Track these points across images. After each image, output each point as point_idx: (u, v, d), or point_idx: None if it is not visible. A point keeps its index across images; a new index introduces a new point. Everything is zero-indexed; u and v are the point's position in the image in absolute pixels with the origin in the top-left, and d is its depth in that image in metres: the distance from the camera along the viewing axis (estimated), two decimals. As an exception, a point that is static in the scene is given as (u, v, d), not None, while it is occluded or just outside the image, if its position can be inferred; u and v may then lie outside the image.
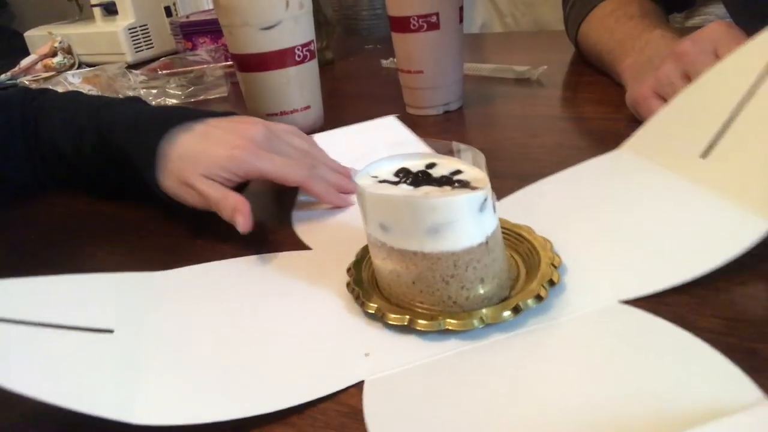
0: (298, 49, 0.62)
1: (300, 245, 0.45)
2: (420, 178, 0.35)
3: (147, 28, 1.22)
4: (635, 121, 0.57)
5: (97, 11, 1.23)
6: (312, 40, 0.64)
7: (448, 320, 0.32)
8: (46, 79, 1.07)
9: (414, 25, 0.64)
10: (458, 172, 0.35)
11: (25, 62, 1.13)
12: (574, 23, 0.80)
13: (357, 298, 0.36)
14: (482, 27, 1.39)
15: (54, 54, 1.14)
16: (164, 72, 0.93)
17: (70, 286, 0.39)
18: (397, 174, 0.36)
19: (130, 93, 0.89)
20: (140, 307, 0.39)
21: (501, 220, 0.40)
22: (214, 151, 0.46)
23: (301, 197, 0.52)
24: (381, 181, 0.35)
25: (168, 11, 1.25)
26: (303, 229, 0.47)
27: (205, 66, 0.94)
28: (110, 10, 1.22)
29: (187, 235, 0.49)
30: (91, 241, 0.52)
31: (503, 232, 0.39)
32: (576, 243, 0.39)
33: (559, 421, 0.26)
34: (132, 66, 1.10)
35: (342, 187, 0.50)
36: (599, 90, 0.69)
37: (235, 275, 0.42)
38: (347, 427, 0.29)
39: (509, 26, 1.34)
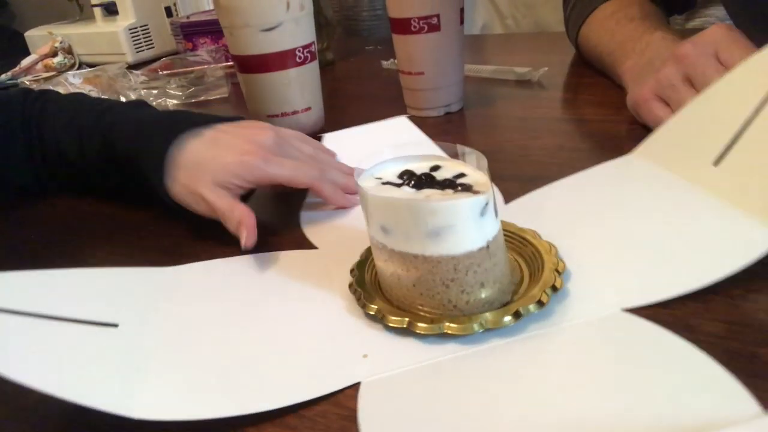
0: (299, 51, 0.62)
1: (307, 245, 0.45)
2: (423, 181, 0.35)
3: (147, 29, 1.22)
4: (636, 123, 0.57)
5: (97, 11, 1.23)
6: (313, 42, 0.64)
7: (448, 324, 0.32)
8: (46, 79, 1.07)
9: (415, 27, 0.64)
10: (462, 175, 0.35)
11: (25, 62, 1.13)
12: (575, 25, 0.80)
13: (358, 299, 0.36)
14: (483, 28, 1.39)
15: (54, 54, 1.14)
16: (165, 72, 0.93)
17: (75, 279, 0.40)
18: (400, 176, 0.36)
19: (131, 93, 0.89)
20: (145, 302, 0.39)
21: (506, 224, 0.40)
22: (223, 158, 0.46)
23: (310, 198, 0.52)
24: (384, 183, 0.35)
25: (168, 11, 1.26)
26: (311, 229, 0.47)
27: (205, 66, 0.94)
28: (111, 10, 1.22)
29: (188, 236, 0.49)
30: (92, 242, 0.52)
31: (508, 236, 0.39)
32: (582, 248, 0.38)
33: (555, 428, 0.26)
34: (132, 66, 1.10)
35: (350, 188, 0.50)
36: (600, 92, 0.70)
37: (240, 273, 0.42)
38: (347, 430, 0.29)
39: (510, 28, 1.34)
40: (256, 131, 0.49)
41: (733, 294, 0.33)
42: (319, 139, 0.63)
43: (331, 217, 0.49)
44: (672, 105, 0.51)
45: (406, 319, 0.33)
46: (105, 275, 0.41)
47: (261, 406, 0.30)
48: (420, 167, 0.36)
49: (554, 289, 0.34)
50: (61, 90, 0.87)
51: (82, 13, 1.35)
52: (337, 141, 0.62)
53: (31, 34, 1.31)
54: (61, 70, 1.11)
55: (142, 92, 0.89)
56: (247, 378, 0.32)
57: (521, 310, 0.32)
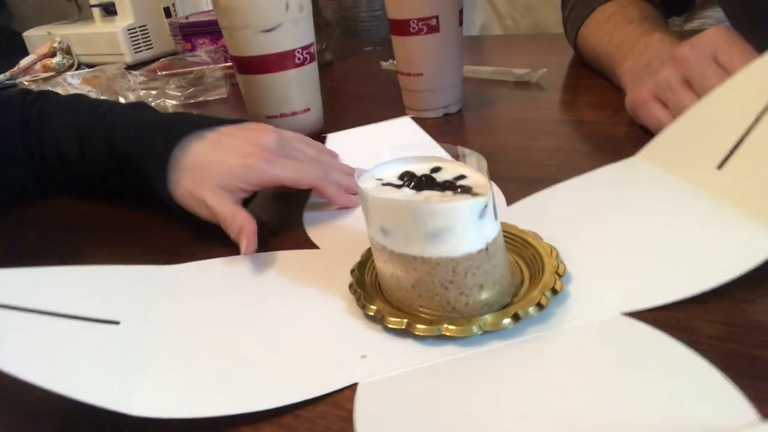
0: (298, 52, 0.62)
1: (309, 245, 0.46)
2: (423, 182, 0.35)
3: (146, 29, 1.22)
4: (634, 125, 0.57)
5: (96, 11, 1.23)
6: (312, 43, 0.64)
7: (447, 326, 0.32)
8: (45, 79, 1.07)
9: (414, 28, 0.64)
10: (462, 177, 0.35)
11: (24, 62, 1.13)
12: (574, 26, 0.80)
13: (358, 300, 0.36)
14: (482, 29, 1.39)
15: (53, 54, 1.14)
16: (163, 73, 0.93)
17: (77, 276, 0.40)
18: (401, 177, 0.36)
19: (130, 94, 0.89)
20: (146, 300, 0.39)
21: (507, 225, 0.40)
22: (226, 161, 0.46)
23: (313, 199, 0.52)
24: (384, 184, 0.35)
25: (167, 12, 1.25)
26: (313, 229, 0.48)
27: (204, 67, 0.94)
28: (109, 11, 1.22)
29: (188, 236, 0.49)
30: (91, 242, 0.52)
31: (508, 237, 0.39)
32: (583, 251, 0.38)
33: (553, 431, 0.26)
34: (131, 67, 1.10)
35: (353, 189, 0.50)
36: (598, 93, 0.70)
37: (240, 273, 0.42)
38: (346, 432, 0.29)
39: (509, 28, 1.34)
40: (258, 133, 0.49)
41: (734, 296, 0.33)
42: (323, 139, 0.63)
43: (334, 218, 0.49)
44: (670, 107, 0.51)
45: (405, 320, 0.33)
46: (106, 273, 0.41)
47: (258, 405, 0.30)
48: (420, 168, 0.36)
49: (554, 291, 0.34)
50: (60, 90, 0.87)
51: (81, 14, 1.34)
52: (341, 141, 0.62)
53: (30, 34, 1.31)
54: (60, 71, 1.11)
55: (141, 93, 0.89)
56: (245, 377, 0.32)
57: (520, 312, 0.32)
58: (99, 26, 1.23)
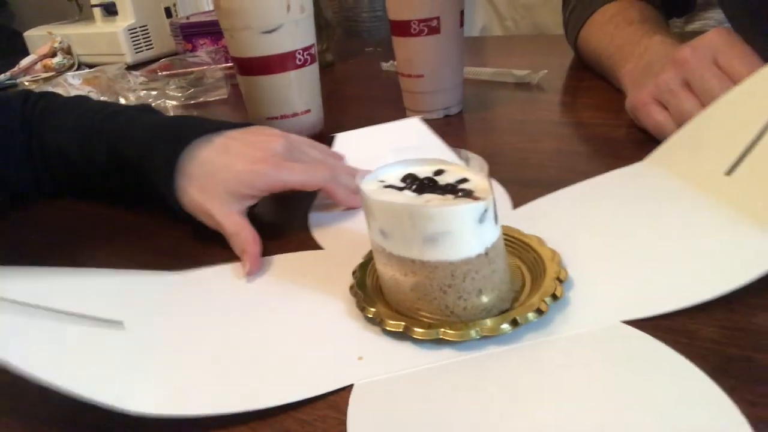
0: (299, 53, 0.62)
1: (313, 246, 0.46)
2: (425, 185, 0.35)
3: (147, 29, 1.22)
4: (634, 127, 0.57)
5: (97, 11, 1.23)
6: (313, 44, 0.64)
7: (445, 330, 0.32)
8: (45, 79, 1.07)
9: (415, 29, 0.64)
10: (464, 180, 0.35)
11: (24, 62, 1.13)
12: (574, 28, 0.80)
13: (358, 302, 0.36)
14: (482, 30, 1.39)
15: (54, 54, 1.14)
16: (164, 73, 0.93)
17: (83, 277, 0.40)
18: (403, 179, 0.36)
19: (130, 94, 0.89)
20: (151, 302, 0.39)
21: (510, 229, 0.40)
22: (234, 166, 0.46)
23: (320, 200, 0.52)
24: (386, 186, 0.35)
25: (168, 12, 1.26)
26: (318, 230, 0.48)
27: (205, 68, 0.94)
28: (110, 11, 1.22)
29: (188, 237, 0.49)
30: (92, 242, 0.52)
31: (511, 241, 0.39)
32: (587, 257, 0.38)
33: None
34: (131, 67, 1.10)
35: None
36: (599, 95, 0.70)
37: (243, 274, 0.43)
38: (345, 435, 0.29)
39: (509, 29, 1.34)
40: (266, 138, 0.48)
41: (732, 299, 0.33)
42: (331, 139, 0.63)
43: (339, 219, 0.49)
44: (670, 109, 0.51)
45: (403, 323, 0.33)
46: (113, 275, 0.42)
47: (253, 404, 0.30)
48: (423, 171, 0.36)
49: (554, 297, 0.34)
50: (61, 90, 0.87)
51: (82, 14, 1.34)
52: (349, 141, 0.62)
53: (31, 34, 1.31)
54: (61, 71, 1.11)
55: (141, 93, 0.89)
56: (244, 377, 0.32)
57: (519, 318, 0.32)
58: (100, 26, 1.24)
